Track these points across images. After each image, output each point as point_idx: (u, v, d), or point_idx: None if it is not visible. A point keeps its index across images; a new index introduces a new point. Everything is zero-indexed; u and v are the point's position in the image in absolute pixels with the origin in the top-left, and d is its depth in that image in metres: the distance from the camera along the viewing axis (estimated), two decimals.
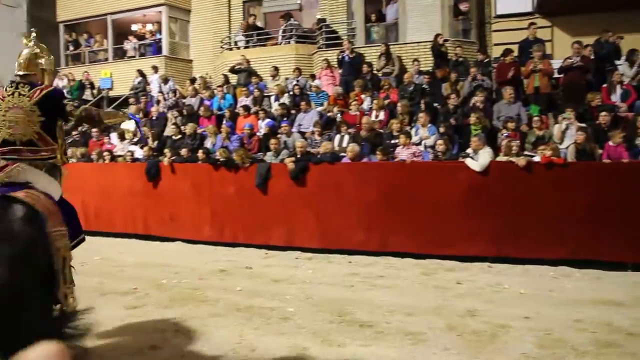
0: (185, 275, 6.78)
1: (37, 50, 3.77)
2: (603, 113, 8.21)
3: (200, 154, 9.47)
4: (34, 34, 3.86)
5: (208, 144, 10.28)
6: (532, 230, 7.19)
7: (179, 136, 10.61)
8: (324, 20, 14.08)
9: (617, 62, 9.97)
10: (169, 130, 11.11)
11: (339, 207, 8.01)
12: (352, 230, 7.88)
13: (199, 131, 10.80)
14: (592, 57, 9.85)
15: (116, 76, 16.28)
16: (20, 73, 3.67)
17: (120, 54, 17.23)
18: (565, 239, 7.06)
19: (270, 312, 5.20)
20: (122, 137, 10.76)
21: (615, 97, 9.11)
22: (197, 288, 6.13)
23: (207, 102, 12.13)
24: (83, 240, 3.72)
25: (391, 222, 7.73)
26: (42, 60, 3.77)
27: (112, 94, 15.76)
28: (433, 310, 5.23)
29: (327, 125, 9.96)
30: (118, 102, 14.80)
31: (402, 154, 8.15)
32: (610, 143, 7.55)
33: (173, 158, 9.64)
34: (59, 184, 3.59)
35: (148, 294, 5.91)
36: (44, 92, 3.53)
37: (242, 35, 15.38)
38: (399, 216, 7.69)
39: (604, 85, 9.30)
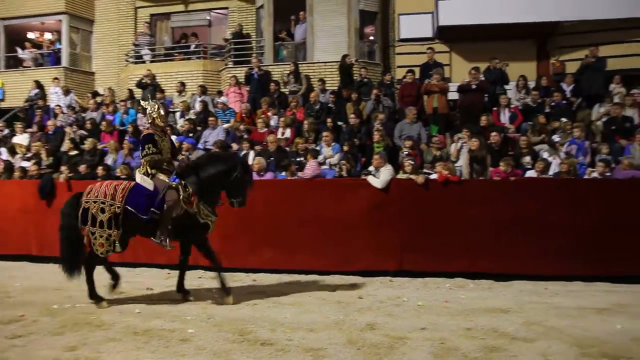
0: (80, 298, 6.40)
1: (147, 108, 6.30)
2: (493, 133, 8.79)
3: (100, 170, 9.08)
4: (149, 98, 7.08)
5: (109, 160, 9.88)
6: (431, 245, 7.53)
7: (75, 152, 10.10)
8: (235, 36, 14.06)
9: (506, 87, 10.76)
10: (66, 145, 10.54)
11: (244, 225, 7.95)
12: (257, 248, 7.86)
13: (99, 147, 10.36)
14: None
15: (8, 86, 15.27)
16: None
17: (13, 63, 16.17)
18: (460, 253, 7.47)
19: (169, 334, 5.04)
20: (12, 152, 10.09)
21: (504, 119, 9.80)
22: (92, 312, 5.83)
23: (109, 117, 11.67)
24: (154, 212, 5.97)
25: (296, 239, 7.78)
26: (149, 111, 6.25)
27: (2, 105, 14.73)
28: (334, 325, 5.31)
29: (234, 142, 9.89)
30: (10, 114, 13.84)
31: (307, 171, 8.26)
32: (501, 168, 8.00)
33: (70, 175, 9.16)
34: (149, 181, 6.07)
35: (36, 321, 5.52)
36: (142, 134, 6.59)
37: (148, 49, 15.02)
38: (304, 233, 7.77)
39: (495, 108, 9.97)
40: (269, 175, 8.54)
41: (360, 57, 13.05)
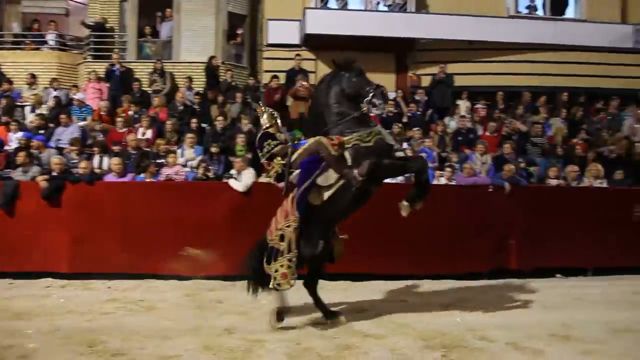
0: None
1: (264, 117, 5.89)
2: None
3: None
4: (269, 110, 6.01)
5: None
6: None
7: None
8: (96, 28, 13.23)
9: None
10: None
11: (99, 229, 7.54)
12: (113, 253, 7.46)
13: None
14: None
15: None
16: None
17: None
18: None
19: (4, 351, 4.60)
20: None
21: None
22: None
23: None
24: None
25: (155, 243, 7.51)
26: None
27: None
28: (191, 331, 5.22)
29: (89, 141, 9.32)
30: None
31: (167, 173, 8.05)
32: None
33: None
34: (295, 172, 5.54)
35: None
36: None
37: None
38: (164, 237, 7.53)
39: None
40: (127, 177, 8.17)
41: (227, 60, 12.96)
